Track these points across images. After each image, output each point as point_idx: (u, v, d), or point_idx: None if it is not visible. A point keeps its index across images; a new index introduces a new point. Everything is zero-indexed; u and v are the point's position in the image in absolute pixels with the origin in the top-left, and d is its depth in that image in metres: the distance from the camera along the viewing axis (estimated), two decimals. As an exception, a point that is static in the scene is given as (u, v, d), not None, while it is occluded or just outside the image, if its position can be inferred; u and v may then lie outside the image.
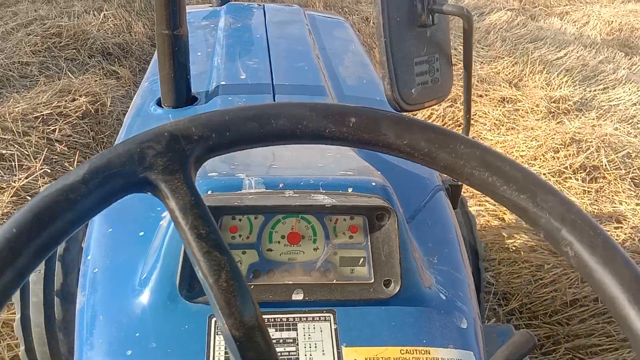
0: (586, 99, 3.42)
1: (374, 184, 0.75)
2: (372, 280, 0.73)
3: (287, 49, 1.37)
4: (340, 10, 4.81)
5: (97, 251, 0.81)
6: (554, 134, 2.68)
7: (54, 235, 0.35)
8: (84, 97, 2.74)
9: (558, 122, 3.02)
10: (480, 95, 3.29)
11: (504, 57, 3.97)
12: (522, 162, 2.57)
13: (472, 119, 3.15)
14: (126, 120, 1.16)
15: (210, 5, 1.73)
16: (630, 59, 4.38)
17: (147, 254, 0.76)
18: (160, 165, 0.38)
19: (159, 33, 1.00)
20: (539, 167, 2.53)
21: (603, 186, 2.45)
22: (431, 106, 0.88)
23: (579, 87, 3.59)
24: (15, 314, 1.15)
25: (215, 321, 0.69)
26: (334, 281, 0.73)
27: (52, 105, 2.62)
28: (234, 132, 0.40)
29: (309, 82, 1.20)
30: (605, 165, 2.51)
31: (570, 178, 2.46)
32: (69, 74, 3.26)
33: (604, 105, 3.39)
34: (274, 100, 1.12)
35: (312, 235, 0.75)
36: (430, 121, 3.32)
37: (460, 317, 0.75)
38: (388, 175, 0.81)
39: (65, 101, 2.68)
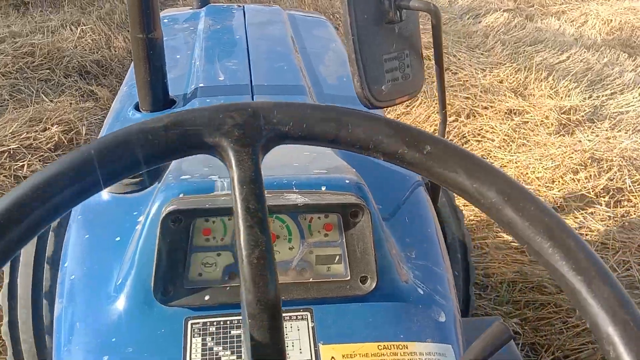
0: (596, 107, 3.19)
1: (347, 181, 0.74)
2: (349, 278, 0.73)
3: (267, 50, 1.35)
4: (332, 16, 4.55)
5: (73, 258, 0.80)
6: (571, 153, 2.43)
7: (129, 166, 0.38)
8: (56, 125, 2.46)
9: (571, 136, 2.77)
10: (485, 108, 3.04)
11: (505, 63, 3.72)
12: (540, 184, 2.32)
13: (480, 134, 2.91)
14: (105, 125, 1.14)
15: (191, 7, 1.68)
16: (634, 60, 4.14)
17: (123, 260, 0.76)
18: (235, 135, 0.39)
19: (134, 37, 0.98)
20: (558, 191, 2.28)
21: (629, 210, 2.21)
22: (403, 102, 0.87)
23: (586, 94, 3.35)
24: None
25: (192, 324, 0.69)
26: (310, 280, 0.73)
27: (21, 137, 2.34)
28: (310, 126, 0.41)
29: (288, 81, 1.19)
30: (630, 186, 2.27)
31: (594, 203, 2.21)
32: (43, 96, 2.98)
33: (615, 114, 3.15)
34: (253, 100, 1.10)
35: (287, 234, 0.73)
36: (434, 134, 3.06)
37: (439, 311, 0.74)
38: (367, 172, 0.80)
39: (36, 131, 2.41)
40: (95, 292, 0.74)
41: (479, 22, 4.73)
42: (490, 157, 2.60)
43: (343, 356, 0.68)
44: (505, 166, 2.50)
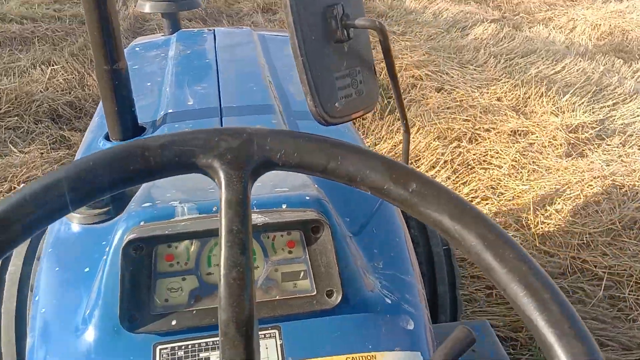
0: (602, 122, 2.97)
1: (307, 197, 0.75)
2: (315, 292, 0.72)
3: (236, 71, 1.34)
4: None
5: (44, 290, 0.79)
6: (590, 180, 2.20)
7: (124, 179, 0.39)
8: (23, 184, 2.18)
9: (583, 158, 2.54)
10: (488, 130, 2.81)
11: (500, 79, 3.50)
12: (561, 219, 2.08)
13: (486, 161, 2.67)
14: (77, 156, 1.14)
15: (162, 34, 1.64)
16: (630, 66, 3.95)
17: (91, 290, 0.75)
18: (228, 157, 0.41)
19: (99, 69, 0.97)
20: (582, 226, 2.05)
21: (660, 242, 1.98)
22: (358, 117, 0.86)
23: (589, 107, 3.14)
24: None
25: (160, 349, 0.69)
26: (277, 297, 0.72)
27: (-17, 200, 2.06)
28: (301, 156, 0.42)
29: (257, 102, 1.19)
30: (659, 215, 2.04)
31: (621, 236, 1.98)
32: (11, 146, 2.70)
33: (622, 127, 2.94)
34: (221, 123, 1.10)
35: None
36: (437, 164, 2.89)
37: (407, 319, 0.74)
38: (334, 186, 0.76)
39: (0, 192, 2.13)
40: (65, 324, 0.73)
41: (467, 35, 4.52)
42: (501, 187, 2.36)
43: None
44: (518, 197, 2.27)
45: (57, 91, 3.21)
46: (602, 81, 3.55)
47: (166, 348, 0.69)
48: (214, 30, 1.57)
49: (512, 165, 2.50)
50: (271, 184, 0.79)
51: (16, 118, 2.90)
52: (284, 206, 0.73)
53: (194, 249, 0.73)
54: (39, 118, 2.96)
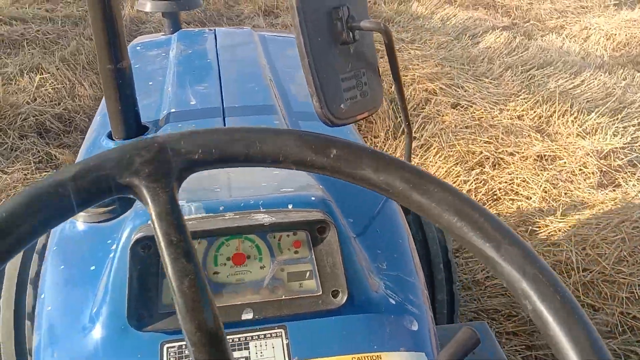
0: (631, 145, 2.72)
1: (313, 198, 0.74)
2: (320, 292, 0.72)
3: (238, 72, 1.32)
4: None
5: (50, 289, 0.77)
6: (636, 221, 1.95)
7: (37, 225, 0.36)
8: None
9: (617, 187, 2.30)
10: (511, 154, 2.56)
11: (519, 94, 3.25)
12: (607, 266, 1.83)
13: (513, 191, 2.43)
14: (79, 154, 1.14)
15: (163, 33, 1.61)
16: (651, 80, 3.71)
17: (97, 288, 0.74)
18: (146, 172, 0.39)
19: (103, 68, 0.95)
20: (630, 276, 1.80)
21: None
22: (363, 118, 0.85)
23: (614, 125, 2.90)
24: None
25: (168, 348, 0.68)
26: (283, 297, 0.72)
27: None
28: (219, 150, 0.41)
29: (259, 102, 1.17)
30: None
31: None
32: (-7, 165, 2.43)
33: (653, 151, 2.70)
34: (224, 123, 1.08)
35: (257, 254, 0.73)
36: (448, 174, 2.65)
37: (411, 320, 0.74)
38: (338, 187, 0.78)
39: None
40: (72, 322, 0.72)
41: (478, 44, 4.26)
42: (533, 223, 2.10)
43: None
44: (553, 236, 2.01)
45: (46, 102, 2.94)
46: (625, 98, 3.30)
47: (173, 347, 0.69)
48: (215, 30, 1.55)
49: (542, 196, 2.25)
50: (276, 185, 0.78)
51: (-1, 133, 2.63)
52: (290, 206, 0.73)
53: (200, 249, 0.72)
54: (24, 133, 2.68)
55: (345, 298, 0.71)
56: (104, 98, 1.35)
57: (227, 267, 0.72)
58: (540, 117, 2.93)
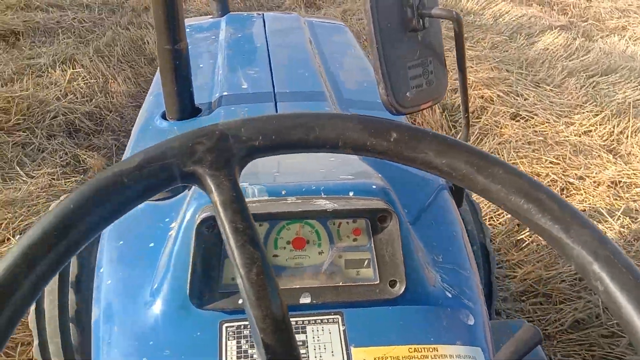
0: None
1: (374, 186, 0.74)
2: (378, 281, 0.72)
3: (287, 57, 1.30)
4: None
5: (108, 264, 0.78)
6: None
7: (105, 215, 0.36)
8: (20, 235, 1.73)
9: None
10: (581, 178, 2.25)
11: (584, 106, 2.92)
12: None
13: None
14: (133, 133, 1.11)
15: (212, 16, 1.61)
16: None
17: (158, 265, 0.75)
18: (208, 160, 0.39)
19: (160, 48, 0.96)
20: None
21: None
22: (427, 107, 0.83)
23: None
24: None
25: (227, 327, 0.68)
26: (340, 283, 0.72)
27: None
28: (280, 136, 0.41)
29: (309, 88, 1.15)
30: None
31: None
32: (18, 168, 2.24)
33: None
34: (276, 108, 1.07)
35: (317, 239, 0.73)
36: (525, 227, 2.37)
37: (467, 314, 0.73)
38: (391, 176, 0.79)
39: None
40: (132, 296, 0.72)
41: (534, 44, 3.91)
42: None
43: (375, 359, 0.66)
44: None
45: (77, 98, 2.74)
46: None
47: (232, 326, 0.68)
48: (263, 14, 1.53)
49: (619, 231, 1.95)
50: (334, 171, 0.78)
51: (27, 132, 2.44)
52: (351, 194, 0.72)
53: (262, 231, 0.72)
54: (52, 132, 2.49)
55: (402, 288, 0.70)
56: (156, 77, 1.36)
57: (287, 251, 0.73)
58: (610, 134, 2.61)
